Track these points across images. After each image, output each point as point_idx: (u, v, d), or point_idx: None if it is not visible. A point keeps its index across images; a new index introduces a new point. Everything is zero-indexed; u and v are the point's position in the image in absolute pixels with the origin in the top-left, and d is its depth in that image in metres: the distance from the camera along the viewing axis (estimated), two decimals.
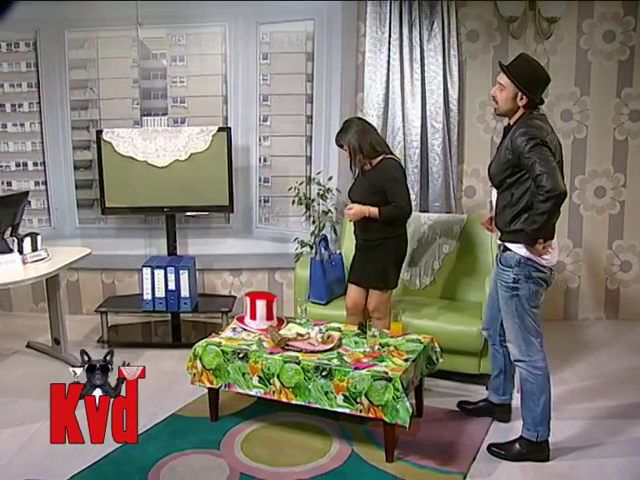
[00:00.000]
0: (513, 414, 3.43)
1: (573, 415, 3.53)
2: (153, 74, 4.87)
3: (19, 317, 5.15)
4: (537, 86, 2.93)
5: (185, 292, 4.54)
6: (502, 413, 3.42)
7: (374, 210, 3.55)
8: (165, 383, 3.93)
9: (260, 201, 5.04)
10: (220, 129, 4.65)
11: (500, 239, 3.08)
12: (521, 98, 2.89)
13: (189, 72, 4.85)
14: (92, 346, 4.54)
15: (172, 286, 4.52)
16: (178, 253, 4.89)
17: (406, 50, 4.56)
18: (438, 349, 3.47)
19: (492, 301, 3.26)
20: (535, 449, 3.05)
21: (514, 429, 3.34)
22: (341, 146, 3.69)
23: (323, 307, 4.12)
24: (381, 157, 3.62)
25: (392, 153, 3.74)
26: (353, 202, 3.69)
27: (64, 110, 4.89)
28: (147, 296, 4.55)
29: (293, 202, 4.79)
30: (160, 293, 4.53)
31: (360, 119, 3.83)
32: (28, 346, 4.50)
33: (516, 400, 3.45)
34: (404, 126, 4.65)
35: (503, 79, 2.93)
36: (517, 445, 3.08)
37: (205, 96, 4.88)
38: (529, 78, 2.90)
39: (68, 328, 4.67)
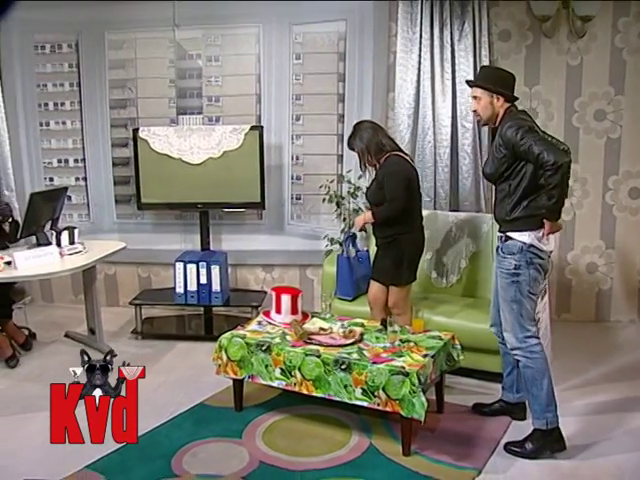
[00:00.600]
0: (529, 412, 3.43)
1: (588, 412, 3.54)
2: (189, 74, 5.02)
3: (59, 308, 5.36)
4: (505, 82, 3.11)
5: (216, 286, 4.66)
6: (518, 411, 3.43)
7: (369, 215, 3.72)
8: (194, 374, 4.05)
9: (292, 198, 5.14)
10: (252, 127, 4.77)
11: (500, 230, 3.17)
12: (497, 99, 3.08)
13: (224, 72, 4.99)
14: (127, 337, 4.73)
15: (204, 280, 4.65)
16: (212, 248, 5.03)
17: (437, 50, 4.59)
18: (459, 346, 3.49)
19: (497, 297, 3.30)
20: (548, 439, 3.08)
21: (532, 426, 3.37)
22: (353, 149, 3.80)
23: (350, 303, 4.19)
24: (387, 155, 3.69)
25: (401, 151, 3.80)
26: (368, 201, 3.85)
27: (104, 109, 5.10)
28: (179, 290, 4.69)
29: (324, 200, 4.87)
30: (192, 287, 4.67)
31: (369, 121, 3.92)
32: (66, 335, 4.70)
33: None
34: (434, 125, 4.68)
35: (476, 92, 3.15)
36: (531, 440, 3.11)
37: (239, 95, 5.01)
38: (495, 78, 3.13)
39: (105, 319, 4.85)
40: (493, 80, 3.10)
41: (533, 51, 4.69)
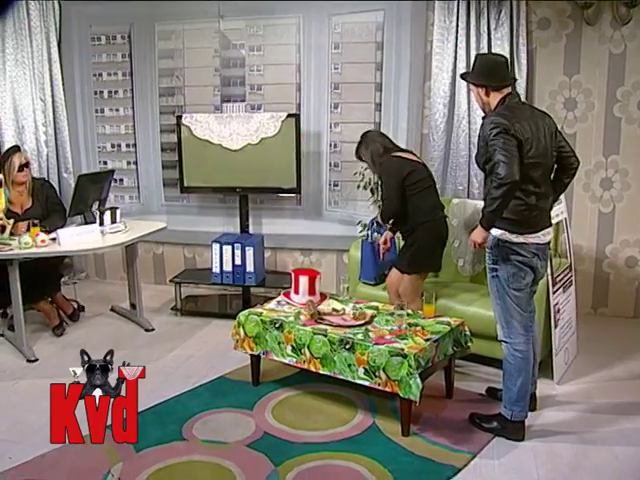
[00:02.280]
0: (539, 402, 3.45)
1: (601, 406, 3.53)
2: (233, 63, 5.22)
3: (110, 284, 5.71)
4: (486, 72, 3.04)
5: (250, 267, 4.85)
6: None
7: (388, 232, 4.06)
8: (222, 349, 4.22)
9: (330, 185, 5.26)
10: (289, 115, 4.91)
11: None
12: (482, 90, 3.05)
13: (265, 61, 5.16)
14: (167, 313, 5.00)
15: (238, 261, 4.85)
16: (253, 232, 5.23)
17: (473, 39, 4.58)
18: (468, 333, 3.54)
19: None
20: (510, 427, 3.16)
21: (540, 417, 3.38)
22: (360, 158, 4.00)
23: (373, 287, 4.28)
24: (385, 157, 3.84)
25: (405, 151, 3.92)
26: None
27: (153, 96, 5.39)
28: (216, 269, 4.91)
29: (358, 187, 4.95)
30: (228, 267, 4.88)
31: (374, 130, 4.16)
32: (112, 309, 5.02)
33: (540, 389, 3.48)
34: (469, 114, 4.68)
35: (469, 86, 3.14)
36: (495, 420, 3.21)
37: (280, 84, 5.17)
38: (477, 70, 3.08)
39: (150, 296, 5.18)
40: (475, 72, 3.07)
41: (574, 39, 4.60)
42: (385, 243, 4.05)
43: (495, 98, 3.01)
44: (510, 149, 2.81)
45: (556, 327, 3.76)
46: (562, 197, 4.03)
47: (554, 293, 3.73)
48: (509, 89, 3.05)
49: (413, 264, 3.79)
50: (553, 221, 3.73)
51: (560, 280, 3.86)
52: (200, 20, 5.17)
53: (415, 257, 3.79)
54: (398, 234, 4.38)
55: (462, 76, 3.26)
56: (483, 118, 3.07)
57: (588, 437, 3.19)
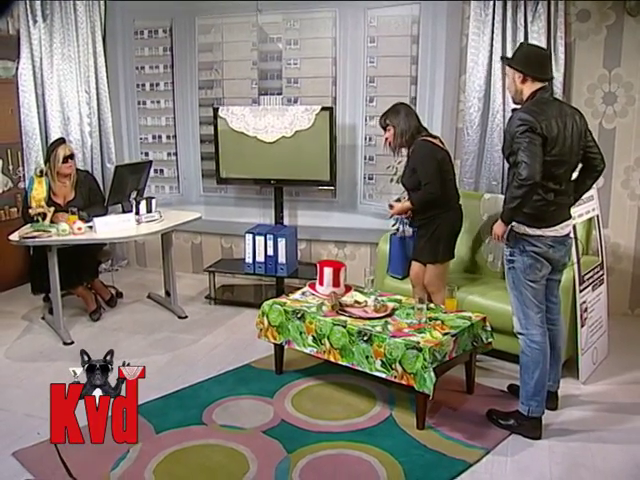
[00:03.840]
0: (562, 401, 3.41)
1: (622, 407, 3.46)
2: (270, 56, 5.28)
3: (150, 272, 5.86)
4: (528, 61, 3.00)
5: (282, 258, 4.92)
6: (549, 401, 3.37)
7: (407, 204, 3.86)
8: (250, 338, 4.28)
9: (365, 178, 5.28)
10: (323, 108, 4.94)
11: None
12: (519, 77, 2.99)
13: (302, 55, 5.20)
14: (201, 302, 5.12)
15: (270, 252, 4.92)
16: (288, 223, 5.30)
17: (509, 32, 4.51)
18: (489, 329, 3.51)
19: None
20: (526, 424, 3.13)
21: (561, 416, 3.34)
22: (386, 126, 3.87)
23: (400, 281, 4.29)
24: (417, 140, 3.79)
25: (431, 135, 3.86)
26: (404, 186, 3.94)
27: (193, 89, 5.51)
28: (248, 260, 5.00)
29: (391, 180, 4.97)
30: (260, 258, 4.96)
31: (407, 105, 3.99)
32: (148, 296, 5.17)
33: (564, 388, 3.44)
34: (504, 109, 4.61)
35: (506, 69, 3.14)
36: (512, 417, 3.18)
37: (316, 77, 5.20)
38: (519, 56, 3.05)
39: (187, 285, 5.32)
40: (517, 57, 3.03)
41: (615, 31, 4.47)
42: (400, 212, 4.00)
43: (529, 88, 2.98)
44: (534, 149, 2.80)
45: (583, 326, 3.70)
46: (594, 193, 3.97)
47: (581, 292, 3.67)
48: (543, 84, 3.01)
49: (434, 253, 3.80)
50: (582, 218, 3.72)
51: (589, 278, 3.79)
52: (239, 14, 5.25)
53: (435, 246, 3.79)
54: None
55: (502, 58, 3.22)
56: (512, 110, 3.07)
57: (608, 438, 3.15)
